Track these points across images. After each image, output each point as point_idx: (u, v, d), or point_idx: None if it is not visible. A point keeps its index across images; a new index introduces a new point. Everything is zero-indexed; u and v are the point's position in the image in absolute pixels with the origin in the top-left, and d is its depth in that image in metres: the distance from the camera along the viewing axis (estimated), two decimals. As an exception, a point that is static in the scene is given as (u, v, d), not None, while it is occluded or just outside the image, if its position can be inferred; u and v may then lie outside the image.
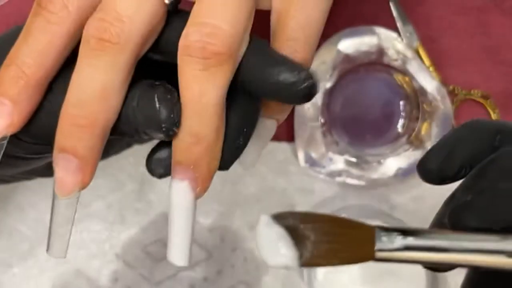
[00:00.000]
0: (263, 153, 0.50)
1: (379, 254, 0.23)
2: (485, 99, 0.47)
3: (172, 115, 0.26)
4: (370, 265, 0.40)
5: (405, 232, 0.24)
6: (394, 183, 0.47)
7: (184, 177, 0.28)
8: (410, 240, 0.23)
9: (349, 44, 0.44)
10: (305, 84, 0.26)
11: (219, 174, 0.49)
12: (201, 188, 0.28)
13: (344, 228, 0.24)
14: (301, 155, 0.46)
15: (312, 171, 0.46)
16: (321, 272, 0.43)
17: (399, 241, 0.23)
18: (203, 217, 0.47)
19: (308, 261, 0.23)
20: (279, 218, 0.24)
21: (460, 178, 0.27)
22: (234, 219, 0.47)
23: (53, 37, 0.27)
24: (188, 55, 0.25)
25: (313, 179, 0.46)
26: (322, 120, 0.45)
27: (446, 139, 0.28)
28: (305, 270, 0.43)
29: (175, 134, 0.27)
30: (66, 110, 0.27)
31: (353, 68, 0.45)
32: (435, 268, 0.27)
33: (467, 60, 0.47)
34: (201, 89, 0.26)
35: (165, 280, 0.47)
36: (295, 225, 0.24)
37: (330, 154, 0.45)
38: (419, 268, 0.42)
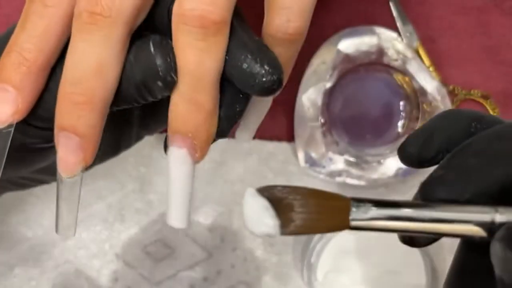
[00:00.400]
0: (263, 153, 0.50)
1: (354, 223, 0.25)
2: (485, 99, 0.47)
3: (168, 59, 0.26)
4: (370, 265, 0.40)
5: (378, 203, 0.25)
6: (394, 183, 0.47)
7: (182, 145, 0.27)
8: (382, 211, 0.25)
9: (349, 44, 0.44)
10: (267, 78, 0.26)
11: (219, 174, 0.49)
12: (199, 155, 0.28)
13: (322, 199, 0.25)
14: (301, 155, 0.46)
15: (312, 171, 0.46)
16: (321, 272, 0.43)
17: (372, 211, 0.25)
18: (203, 217, 0.47)
19: (289, 230, 0.24)
20: (263, 190, 0.25)
21: (438, 162, 0.28)
22: (234, 219, 0.47)
23: (50, 20, 0.27)
24: (184, 24, 0.25)
25: (313, 179, 0.46)
26: (322, 120, 0.45)
27: (426, 125, 0.29)
28: (305, 271, 0.43)
29: (173, 83, 0.26)
30: (64, 88, 0.26)
31: (353, 68, 0.45)
32: (411, 242, 0.28)
33: (467, 60, 0.47)
34: (200, 59, 0.25)
35: (165, 280, 0.47)
36: (277, 197, 0.25)
37: (330, 154, 0.45)
38: (419, 269, 0.42)
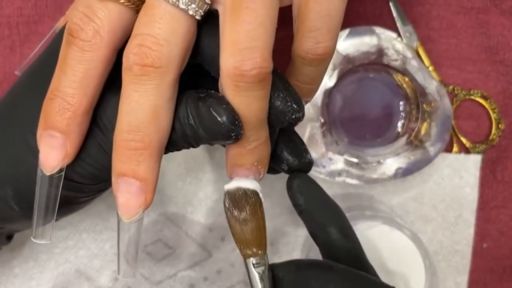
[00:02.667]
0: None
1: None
2: (485, 99, 0.47)
3: (236, 122, 0.28)
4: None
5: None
6: (394, 183, 0.47)
7: (248, 173, 0.30)
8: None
9: (349, 44, 0.44)
10: (296, 115, 0.29)
11: (220, 174, 0.49)
12: (263, 174, 0.31)
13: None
14: (301, 155, 0.46)
15: (312, 171, 0.46)
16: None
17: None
18: (203, 217, 0.47)
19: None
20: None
21: None
22: (234, 219, 0.47)
23: (90, 64, 0.27)
24: (245, 82, 0.27)
25: (313, 179, 0.46)
26: (322, 120, 0.45)
27: None
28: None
29: (242, 135, 0.28)
30: (121, 137, 0.27)
31: (353, 68, 0.45)
32: None
33: (467, 60, 0.47)
34: (260, 105, 0.28)
35: (165, 280, 0.47)
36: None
37: (330, 154, 0.45)
38: (419, 269, 0.42)
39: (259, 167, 0.30)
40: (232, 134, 0.28)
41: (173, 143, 0.29)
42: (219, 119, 0.27)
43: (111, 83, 0.29)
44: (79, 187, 0.31)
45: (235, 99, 0.27)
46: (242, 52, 0.26)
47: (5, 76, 0.46)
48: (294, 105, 0.29)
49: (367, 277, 0.30)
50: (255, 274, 0.30)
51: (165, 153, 0.30)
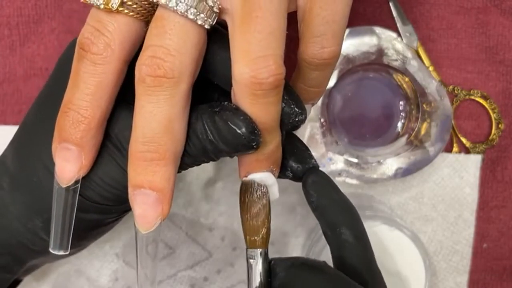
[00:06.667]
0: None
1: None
2: (485, 99, 0.47)
3: (256, 131, 0.28)
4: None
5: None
6: (394, 183, 0.47)
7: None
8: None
9: (349, 44, 0.44)
10: (299, 118, 0.30)
11: (220, 174, 0.49)
12: (276, 174, 0.32)
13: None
14: (301, 155, 0.46)
15: (312, 171, 0.46)
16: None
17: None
18: (203, 217, 0.47)
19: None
20: None
21: None
22: (234, 219, 0.47)
23: (102, 77, 0.28)
24: (261, 90, 0.27)
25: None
26: (322, 120, 0.45)
27: None
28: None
29: (261, 143, 0.29)
30: (136, 148, 0.28)
31: (353, 68, 0.45)
32: None
33: (467, 60, 0.47)
34: (275, 111, 0.28)
35: (165, 280, 0.47)
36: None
37: (330, 154, 0.45)
38: (419, 269, 0.42)
39: (274, 169, 0.31)
40: (253, 144, 0.28)
41: (194, 159, 0.29)
42: (238, 131, 0.28)
43: (123, 98, 0.29)
44: (104, 209, 0.31)
45: (252, 107, 0.28)
46: (256, 61, 0.27)
47: (5, 76, 0.46)
48: (296, 108, 0.29)
49: (354, 285, 0.30)
50: (254, 264, 0.31)
51: (185, 168, 0.30)
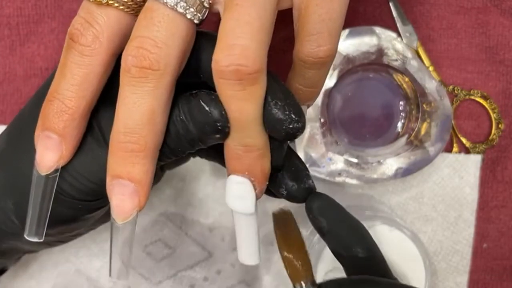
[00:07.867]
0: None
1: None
2: (485, 99, 0.47)
3: (223, 112, 0.27)
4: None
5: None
6: (394, 183, 0.47)
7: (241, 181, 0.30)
8: None
9: (349, 44, 0.44)
10: (294, 125, 0.28)
11: (220, 174, 0.49)
12: (258, 191, 0.30)
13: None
14: (301, 155, 0.46)
15: (312, 171, 0.46)
16: (321, 272, 0.43)
17: None
18: (203, 217, 0.47)
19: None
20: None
21: None
22: (234, 219, 0.47)
23: (89, 69, 0.28)
24: (224, 78, 0.27)
25: (313, 179, 0.46)
26: (322, 120, 0.45)
27: None
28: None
29: (229, 132, 0.28)
30: (117, 138, 0.28)
31: (353, 68, 0.45)
32: None
33: (467, 60, 0.47)
34: (242, 106, 0.27)
35: (165, 280, 0.47)
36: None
37: (330, 154, 0.45)
38: (419, 269, 0.42)
39: (252, 179, 0.29)
40: (218, 124, 0.28)
41: (170, 149, 0.29)
42: (206, 108, 0.28)
43: (109, 92, 0.29)
44: (77, 204, 0.31)
45: (220, 96, 0.27)
46: (223, 48, 0.26)
47: (5, 76, 0.46)
48: (292, 115, 0.28)
49: None
50: None
51: (164, 161, 0.30)
